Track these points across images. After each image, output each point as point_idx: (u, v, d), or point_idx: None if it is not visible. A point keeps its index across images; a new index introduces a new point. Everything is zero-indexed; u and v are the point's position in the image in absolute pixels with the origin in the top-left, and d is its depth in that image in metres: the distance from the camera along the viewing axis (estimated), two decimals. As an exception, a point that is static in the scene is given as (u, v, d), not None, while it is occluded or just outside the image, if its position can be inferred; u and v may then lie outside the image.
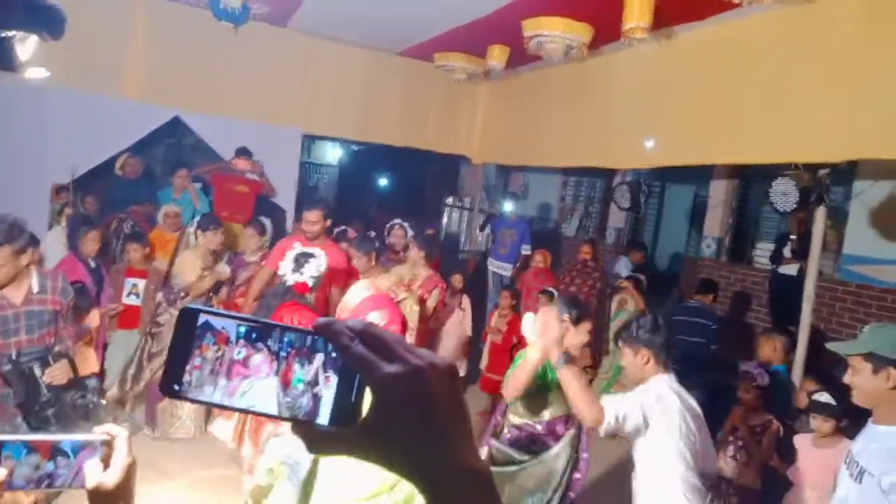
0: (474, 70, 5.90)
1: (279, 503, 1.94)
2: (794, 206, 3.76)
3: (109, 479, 0.83)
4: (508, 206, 8.35)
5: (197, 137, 6.65)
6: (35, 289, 2.72)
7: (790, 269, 5.73)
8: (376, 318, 2.41)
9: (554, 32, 4.42)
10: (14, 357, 2.47)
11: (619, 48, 4.83)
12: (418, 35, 5.73)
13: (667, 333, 2.34)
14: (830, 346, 2.09)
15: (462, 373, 5.00)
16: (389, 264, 4.64)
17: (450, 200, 10.80)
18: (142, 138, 5.94)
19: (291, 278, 3.19)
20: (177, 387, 0.49)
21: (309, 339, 0.50)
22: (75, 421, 2.68)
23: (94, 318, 3.94)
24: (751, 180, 7.11)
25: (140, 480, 0.88)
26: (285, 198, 6.41)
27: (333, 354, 0.49)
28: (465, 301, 5.57)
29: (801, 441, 3.07)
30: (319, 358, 0.50)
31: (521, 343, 5.45)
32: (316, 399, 0.49)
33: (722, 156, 4.61)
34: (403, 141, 6.95)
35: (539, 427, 2.61)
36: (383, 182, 11.79)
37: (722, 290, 6.29)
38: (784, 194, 3.77)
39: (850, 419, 2.75)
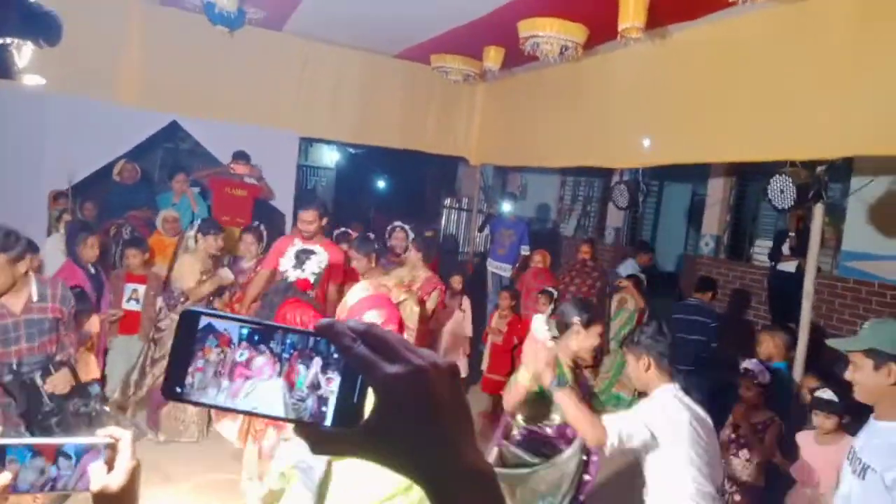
0: (470, 71, 5.91)
1: None
2: (792, 203, 3.76)
3: (114, 481, 0.83)
4: (507, 207, 8.35)
5: (195, 142, 6.65)
6: (34, 297, 2.70)
7: (789, 266, 5.74)
8: (373, 317, 2.41)
9: (549, 33, 4.42)
10: (15, 367, 2.45)
11: (615, 48, 4.84)
12: (414, 37, 5.73)
13: (670, 340, 2.34)
14: (831, 342, 2.09)
15: (463, 374, 5.00)
16: (391, 266, 4.65)
17: (448, 202, 10.80)
18: (139, 144, 5.93)
19: (293, 274, 3.20)
20: (179, 389, 0.49)
21: (311, 340, 0.50)
22: (79, 429, 2.67)
23: (94, 324, 3.93)
24: (748, 178, 7.12)
25: (144, 484, 0.88)
26: (283, 201, 6.42)
27: (335, 355, 0.49)
28: (465, 302, 5.58)
29: (803, 438, 3.07)
30: (321, 359, 0.50)
31: (522, 344, 5.46)
32: (319, 400, 0.49)
33: (718, 154, 4.62)
34: (400, 143, 6.96)
35: (549, 430, 2.59)
36: (381, 184, 11.79)
37: (721, 287, 6.29)
38: (782, 191, 3.78)
39: (852, 416, 2.75)
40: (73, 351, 2.88)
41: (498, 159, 7.64)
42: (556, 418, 2.59)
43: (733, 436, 3.38)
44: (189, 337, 0.49)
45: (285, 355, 0.50)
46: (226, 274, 4.55)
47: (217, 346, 0.49)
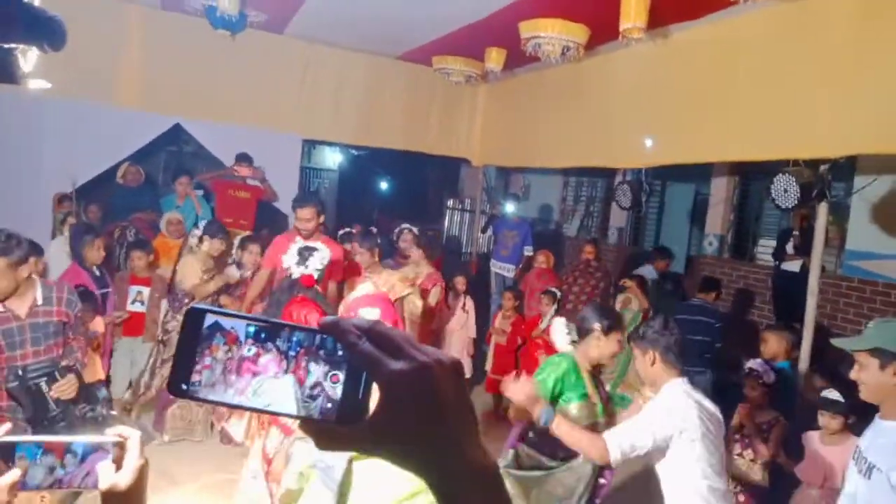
0: (472, 73, 5.91)
1: None
2: (796, 202, 3.75)
3: (122, 480, 0.84)
4: (510, 208, 8.35)
5: (198, 145, 6.68)
6: (39, 301, 2.69)
7: (793, 266, 5.72)
8: (367, 314, 2.43)
9: (551, 34, 4.43)
10: (20, 373, 2.44)
11: (616, 48, 4.84)
12: (416, 39, 5.74)
13: (676, 335, 2.33)
14: (836, 342, 2.08)
15: (466, 374, 5.01)
16: (398, 268, 4.70)
17: (451, 203, 10.80)
18: (143, 146, 5.96)
19: (297, 271, 3.22)
20: (184, 386, 0.49)
21: (317, 337, 0.50)
22: (85, 434, 2.65)
23: (98, 324, 3.96)
24: (751, 177, 7.11)
25: (149, 485, 0.89)
26: (286, 203, 6.41)
27: (340, 352, 0.50)
28: (469, 303, 5.58)
29: (809, 438, 3.06)
30: (327, 356, 0.50)
31: (526, 344, 5.47)
32: (325, 397, 0.50)
33: (721, 153, 4.61)
34: (403, 144, 6.97)
35: None
36: (384, 186, 11.80)
37: (725, 287, 6.28)
38: (785, 191, 3.77)
39: (858, 416, 2.74)
40: (80, 356, 2.85)
41: (500, 160, 7.64)
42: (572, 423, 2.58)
43: (738, 436, 3.37)
44: (194, 334, 0.50)
45: (292, 353, 0.50)
46: (232, 272, 4.58)
47: (224, 343, 0.50)
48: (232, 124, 5.98)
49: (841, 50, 3.43)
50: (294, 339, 0.50)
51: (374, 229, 5.10)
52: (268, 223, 6.10)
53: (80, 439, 0.85)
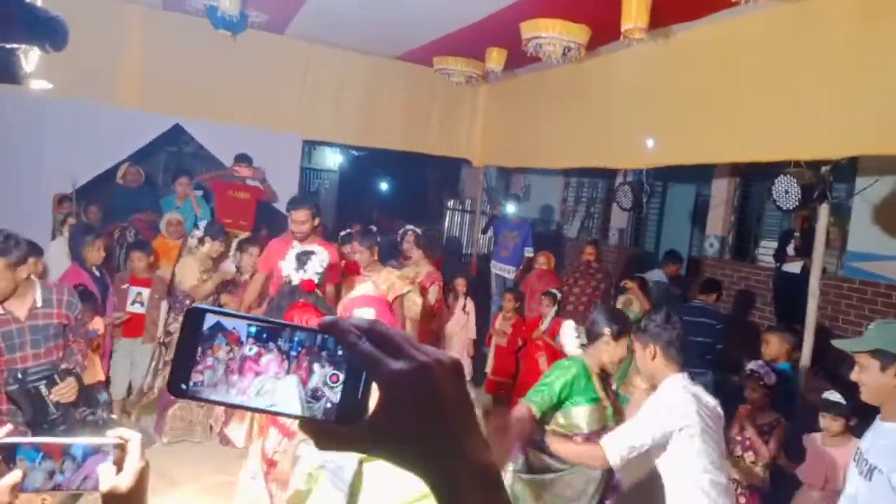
0: (473, 73, 5.91)
1: None
2: (797, 203, 3.75)
3: (123, 482, 0.84)
4: (510, 209, 8.35)
5: (198, 145, 6.67)
6: (39, 302, 2.66)
7: (794, 267, 5.71)
8: (363, 314, 2.42)
9: (552, 34, 4.42)
10: (20, 376, 2.42)
11: (617, 48, 4.83)
12: (416, 39, 5.74)
13: (678, 330, 2.32)
14: (837, 343, 2.08)
15: (467, 376, 5.00)
16: (401, 269, 4.72)
17: (451, 203, 10.81)
18: (142, 147, 5.96)
19: (297, 277, 3.19)
20: (184, 386, 0.49)
21: (318, 337, 0.50)
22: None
23: (98, 324, 3.96)
24: (752, 178, 7.10)
25: (149, 487, 0.89)
26: (286, 204, 6.42)
27: (340, 352, 0.50)
28: (469, 304, 5.58)
29: (810, 440, 3.06)
30: (328, 356, 0.50)
31: (526, 345, 5.46)
32: (326, 397, 0.50)
33: (722, 154, 4.61)
34: (404, 145, 6.97)
35: (578, 439, 2.56)
36: (384, 186, 11.81)
37: (726, 289, 6.27)
38: (786, 192, 3.77)
39: (860, 418, 2.74)
40: (80, 358, 2.82)
41: (501, 161, 7.64)
42: (584, 428, 2.56)
43: (739, 437, 3.37)
44: (194, 334, 0.50)
45: (293, 353, 0.50)
46: (228, 267, 4.58)
47: (226, 344, 0.50)
48: (232, 125, 5.98)
49: (842, 50, 3.43)
50: (295, 339, 0.50)
51: (374, 228, 5.09)
52: (267, 224, 6.10)
53: (80, 441, 0.84)
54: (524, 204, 9.74)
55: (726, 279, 6.70)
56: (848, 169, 5.13)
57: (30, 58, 1.85)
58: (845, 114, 3.40)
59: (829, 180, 3.75)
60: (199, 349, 0.49)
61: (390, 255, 5.34)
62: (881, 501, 1.79)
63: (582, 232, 9.40)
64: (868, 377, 1.92)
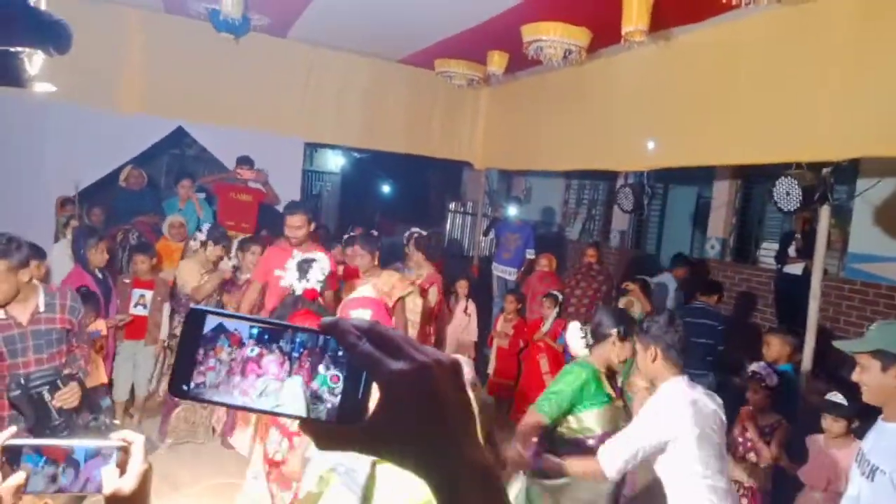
0: (474, 76, 5.92)
1: None
2: (798, 205, 3.75)
3: (126, 484, 0.84)
4: (512, 211, 8.35)
5: (201, 148, 6.69)
6: (41, 307, 2.62)
7: (795, 269, 5.71)
8: (359, 315, 2.42)
9: (553, 37, 4.43)
10: (22, 382, 2.40)
11: (618, 51, 4.84)
12: (418, 42, 5.76)
13: (680, 333, 2.31)
14: (838, 344, 2.08)
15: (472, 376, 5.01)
16: (406, 270, 4.73)
17: (453, 206, 10.82)
18: (145, 150, 5.98)
19: (299, 287, 3.15)
20: (185, 387, 0.50)
21: (320, 339, 0.51)
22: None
23: (100, 325, 3.97)
24: (754, 180, 7.10)
25: (152, 489, 0.89)
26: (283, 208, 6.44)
27: (340, 353, 0.50)
28: (471, 306, 5.59)
29: (813, 441, 3.06)
30: (329, 357, 0.51)
31: (527, 347, 5.46)
32: (327, 398, 0.50)
33: (723, 157, 4.60)
34: (405, 148, 6.98)
35: (591, 441, 2.54)
36: (386, 189, 11.83)
37: (727, 290, 6.26)
38: (787, 194, 3.77)
39: (862, 420, 2.73)
40: (83, 364, 2.79)
41: (502, 163, 7.64)
42: (597, 430, 2.55)
43: (741, 438, 3.36)
44: (195, 335, 0.50)
45: (294, 354, 0.51)
46: (225, 265, 4.60)
47: (228, 345, 0.50)
48: (235, 128, 6.00)
49: (842, 52, 3.44)
50: (297, 340, 0.51)
51: (376, 232, 5.09)
52: (269, 226, 6.11)
53: (83, 444, 0.85)
54: (525, 206, 9.73)
55: (728, 281, 6.70)
56: (849, 171, 5.13)
57: (34, 61, 1.86)
58: (846, 115, 3.40)
59: (831, 182, 3.75)
60: (201, 350, 0.50)
61: (393, 257, 5.34)
62: (883, 502, 1.79)
63: (583, 234, 9.40)
64: (869, 378, 1.93)
